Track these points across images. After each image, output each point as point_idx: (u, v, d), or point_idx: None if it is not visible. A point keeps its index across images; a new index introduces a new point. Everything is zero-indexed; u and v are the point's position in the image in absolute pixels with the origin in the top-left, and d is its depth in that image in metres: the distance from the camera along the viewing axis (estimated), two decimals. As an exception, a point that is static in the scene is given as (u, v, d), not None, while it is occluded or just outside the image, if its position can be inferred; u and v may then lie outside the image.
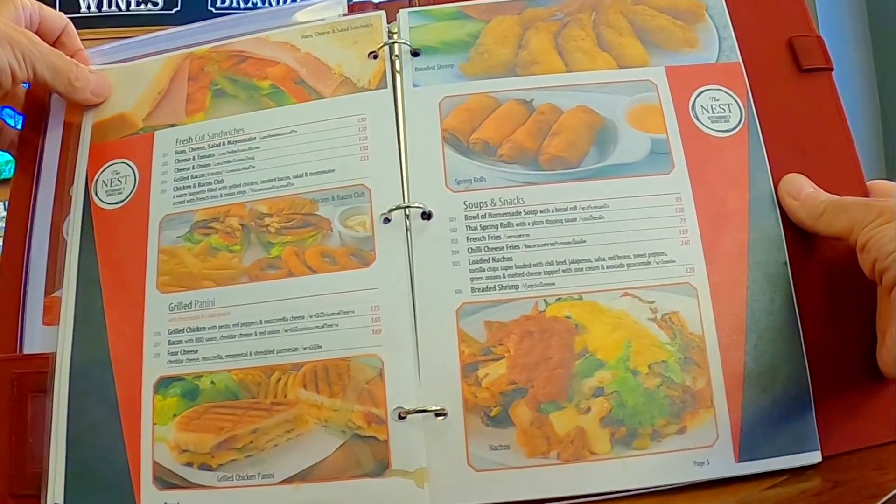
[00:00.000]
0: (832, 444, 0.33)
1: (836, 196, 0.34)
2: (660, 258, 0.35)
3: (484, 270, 0.35)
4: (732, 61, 0.38)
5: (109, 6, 0.69)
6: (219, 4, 0.71)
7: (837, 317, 0.35)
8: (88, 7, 0.69)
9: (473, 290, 0.34)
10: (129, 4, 0.68)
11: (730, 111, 0.37)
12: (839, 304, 0.35)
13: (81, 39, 0.43)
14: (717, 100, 0.37)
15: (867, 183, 0.37)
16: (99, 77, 0.41)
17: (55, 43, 0.41)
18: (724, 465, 0.32)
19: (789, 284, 0.35)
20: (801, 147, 0.37)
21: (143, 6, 0.69)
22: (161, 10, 0.69)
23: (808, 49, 0.38)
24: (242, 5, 0.72)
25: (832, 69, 0.38)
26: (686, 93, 0.37)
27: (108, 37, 0.55)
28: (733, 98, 0.37)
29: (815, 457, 0.33)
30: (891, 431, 0.34)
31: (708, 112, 0.37)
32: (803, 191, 0.35)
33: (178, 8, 0.69)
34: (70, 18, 0.43)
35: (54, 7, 0.59)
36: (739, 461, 0.32)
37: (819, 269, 0.35)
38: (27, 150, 0.42)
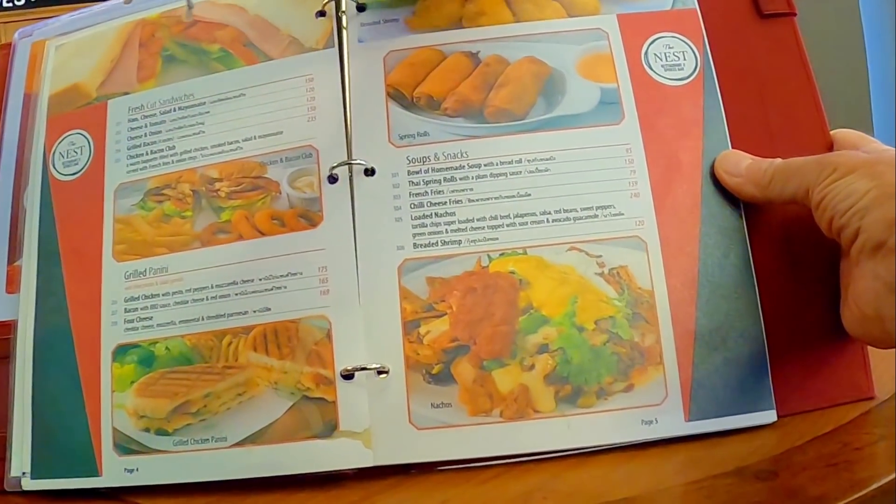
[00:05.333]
0: (788, 403, 0.32)
1: (779, 160, 0.32)
2: (608, 211, 0.34)
3: (426, 226, 0.34)
4: (688, 7, 0.36)
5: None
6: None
7: (796, 272, 0.33)
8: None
9: (416, 245, 0.34)
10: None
11: (684, 59, 0.36)
12: (798, 259, 0.33)
13: (43, 17, 0.43)
14: (672, 48, 0.36)
15: (831, 132, 0.35)
16: None
17: None
18: (674, 423, 0.31)
19: (745, 238, 0.33)
20: (760, 96, 0.35)
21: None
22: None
23: (770, -8, 0.36)
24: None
25: (795, 14, 0.36)
26: (639, 41, 0.36)
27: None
28: (688, 45, 0.36)
29: (769, 416, 0.32)
30: (850, 391, 0.33)
31: (661, 60, 0.36)
32: (742, 164, 0.33)
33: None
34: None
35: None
36: (689, 420, 0.31)
37: (776, 223, 0.34)
38: (-13, 123, 0.42)
